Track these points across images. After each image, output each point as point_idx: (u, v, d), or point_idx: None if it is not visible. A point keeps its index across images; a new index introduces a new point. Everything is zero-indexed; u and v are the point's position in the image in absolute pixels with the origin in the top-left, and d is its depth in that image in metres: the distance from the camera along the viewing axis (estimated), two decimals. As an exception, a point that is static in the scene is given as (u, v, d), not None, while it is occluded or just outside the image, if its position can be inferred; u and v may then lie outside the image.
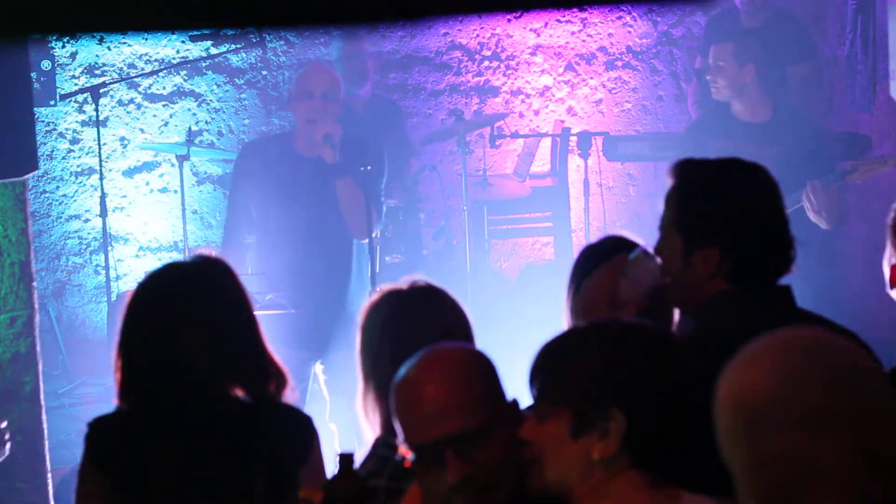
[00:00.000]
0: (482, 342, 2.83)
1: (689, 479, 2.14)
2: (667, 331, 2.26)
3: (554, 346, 2.22)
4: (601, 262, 2.82)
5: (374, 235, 5.37)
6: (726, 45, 6.01)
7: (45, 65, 6.71)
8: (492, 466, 2.22)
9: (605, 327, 2.24)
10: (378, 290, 2.88)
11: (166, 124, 7.36)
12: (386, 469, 2.63)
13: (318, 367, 5.46)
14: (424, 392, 2.24)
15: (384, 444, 2.68)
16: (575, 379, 2.15)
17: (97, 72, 7.25)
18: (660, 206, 2.74)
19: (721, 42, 6.09)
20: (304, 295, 5.27)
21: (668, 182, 2.71)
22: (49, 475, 4.70)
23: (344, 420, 5.25)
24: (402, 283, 2.85)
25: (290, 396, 2.96)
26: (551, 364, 2.20)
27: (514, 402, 2.31)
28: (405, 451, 2.27)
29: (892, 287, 3.24)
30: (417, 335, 2.67)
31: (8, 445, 3.87)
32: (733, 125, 5.93)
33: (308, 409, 5.33)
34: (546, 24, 7.62)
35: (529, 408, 2.27)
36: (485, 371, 2.31)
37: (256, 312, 3.00)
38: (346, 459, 2.40)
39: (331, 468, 2.85)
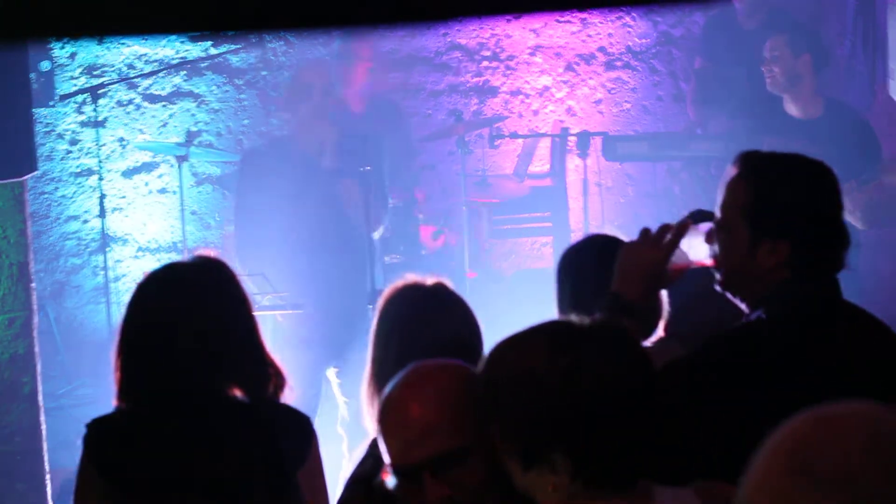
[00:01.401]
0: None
1: (656, 472, 2.12)
2: (610, 330, 2.15)
3: (490, 373, 2.12)
4: (585, 262, 2.84)
5: (380, 230, 5.40)
6: (781, 36, 6.01)
7: (45, 65, 6.70)
8: (473, 486, 2.19)
9: (544, 345, 2.09)
10: (403, 278, 2.90)
11: (165, 125, 7.36)
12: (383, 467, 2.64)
13: (331, 372, 5.46)
14: (406, 414, 2.22)
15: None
16: (514, 421, 2.06)
17: (96, 72, 7.24)
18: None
19: (776, 34, 6.08)
20: (317, 297, 5.26)
21: (730, 171, 2.70)
22: (48, 476, 4.70)
23: (354, 425, 5.26)
24: (427, 278, 2.87)
25: (288, 396, 2.96)
26: (490, 395, 2.11)
27: None
28: (384, 474, 2.26)
29: None
30: (426, 334, 2.70)
31: None
32: (786, 121, 5.91)
33: (321, 412, 5.35)
34: (545, 24, 7.62)
35: None
36: (469, 390, 2.29)
37: (260, 312, 3.00)
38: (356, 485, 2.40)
39: (331, 471, 2.86)
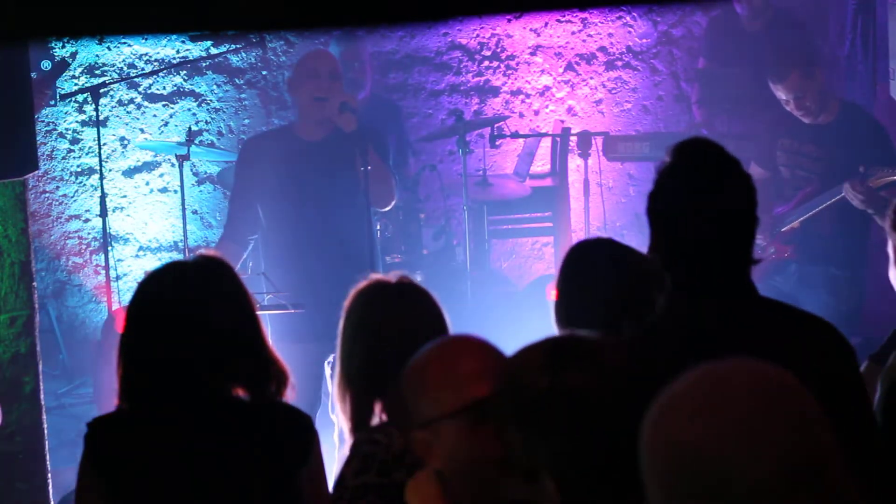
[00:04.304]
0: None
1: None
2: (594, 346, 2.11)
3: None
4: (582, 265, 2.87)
5: (391, 203, 5.40)
6: (788, 71, 5.77)
7: (45, 65, 6.70)
8: None
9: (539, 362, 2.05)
10: (367, 278, 2.93)
11: (166, 124, 7.36)
12: (373, 465, 2.65)
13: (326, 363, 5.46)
14: (457, 362, 2.24)
15: (366, 442, 2.70)
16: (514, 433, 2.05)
17: (97, 72, 7.25)
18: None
19: (780, 73, 5.83)
20: (317, 287, 5.24)
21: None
22: (49, 475, 4.70)
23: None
24: (392, 276, 2.92)
25: (290, 395, 2.96)
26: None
27: None
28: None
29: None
30: (392, 330, 2.73)
31: None
32: (798, 124, 5.80)
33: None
34: (546, 24, 7.62)
35: None
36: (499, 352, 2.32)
37: (261, 312, 3.01)
38: None
39: (330, 465, 2.87)
